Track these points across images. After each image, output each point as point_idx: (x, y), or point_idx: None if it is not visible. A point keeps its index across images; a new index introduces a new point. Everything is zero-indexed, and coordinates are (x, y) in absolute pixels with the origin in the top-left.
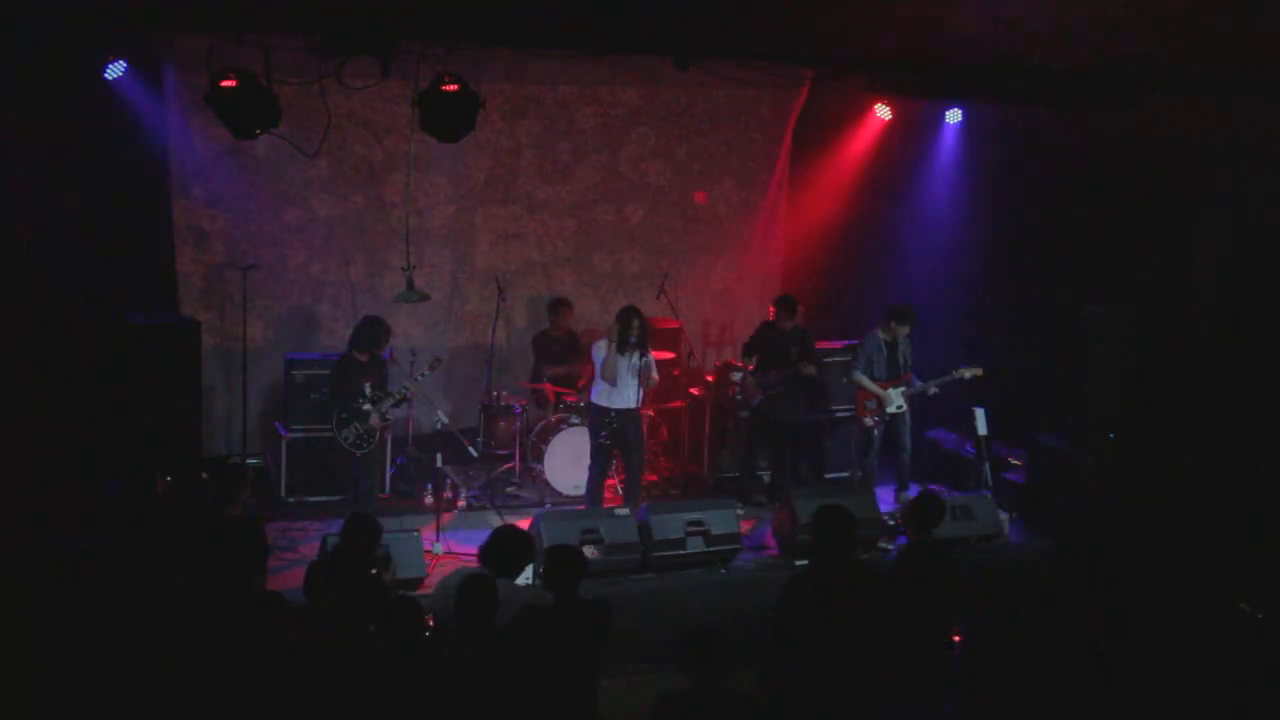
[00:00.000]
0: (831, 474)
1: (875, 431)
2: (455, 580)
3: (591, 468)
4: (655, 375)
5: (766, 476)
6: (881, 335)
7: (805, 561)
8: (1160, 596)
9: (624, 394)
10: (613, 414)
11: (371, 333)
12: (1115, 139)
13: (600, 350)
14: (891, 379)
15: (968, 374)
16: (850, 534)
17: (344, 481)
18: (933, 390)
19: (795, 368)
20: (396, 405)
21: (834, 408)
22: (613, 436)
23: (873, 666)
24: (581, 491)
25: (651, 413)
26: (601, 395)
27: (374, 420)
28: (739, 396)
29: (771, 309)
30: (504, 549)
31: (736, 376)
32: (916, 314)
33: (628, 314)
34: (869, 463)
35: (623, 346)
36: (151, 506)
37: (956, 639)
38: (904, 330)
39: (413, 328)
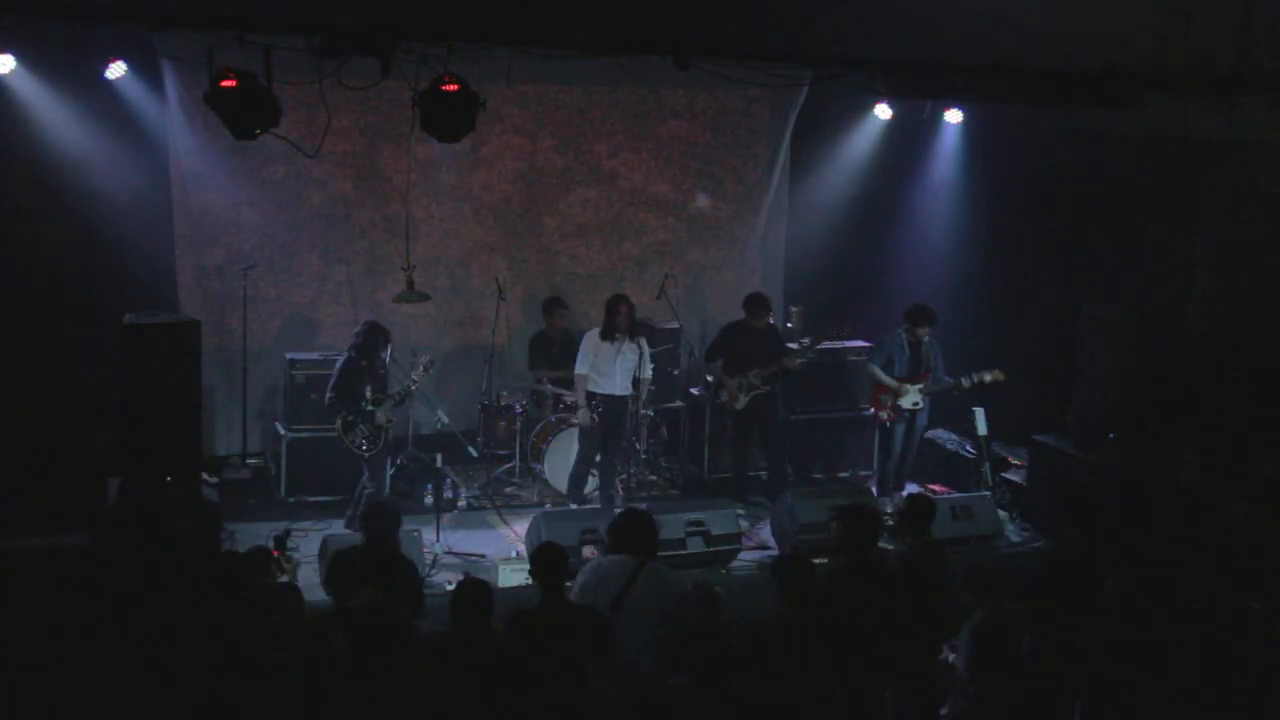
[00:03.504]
0: (844, 472)
1: (889, 426)
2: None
3: (578, 453)
4: (648, 372)
5: (764, 476)
6: (905, 335)
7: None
8: (1160, 596)
9: (612, 381)
10: (598, 400)
11: (372, 340)
12: (1115, 139)
13: (589, 340)
14: (912, 377)
15: (988, 377)
16: (877, 532)
17: (345, 482)
18: (950, 386)
19: (780, 364)
20: (397, 405)
21: (863, 406)
22: (599, 422)
23: (889, 667)
24: (585, 491)
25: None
26: (589, 381)
27: (380, 419)
28: (721, 400)
29: (747, 308)
30: (632, 530)
31: (710, 379)
32: (933, 313)
33: (614, 301)
34: (889, 463)
35: (608, 334)
36: (151, 507)
37: (956, 639)
38: (924, 330)
39: (413, 328)
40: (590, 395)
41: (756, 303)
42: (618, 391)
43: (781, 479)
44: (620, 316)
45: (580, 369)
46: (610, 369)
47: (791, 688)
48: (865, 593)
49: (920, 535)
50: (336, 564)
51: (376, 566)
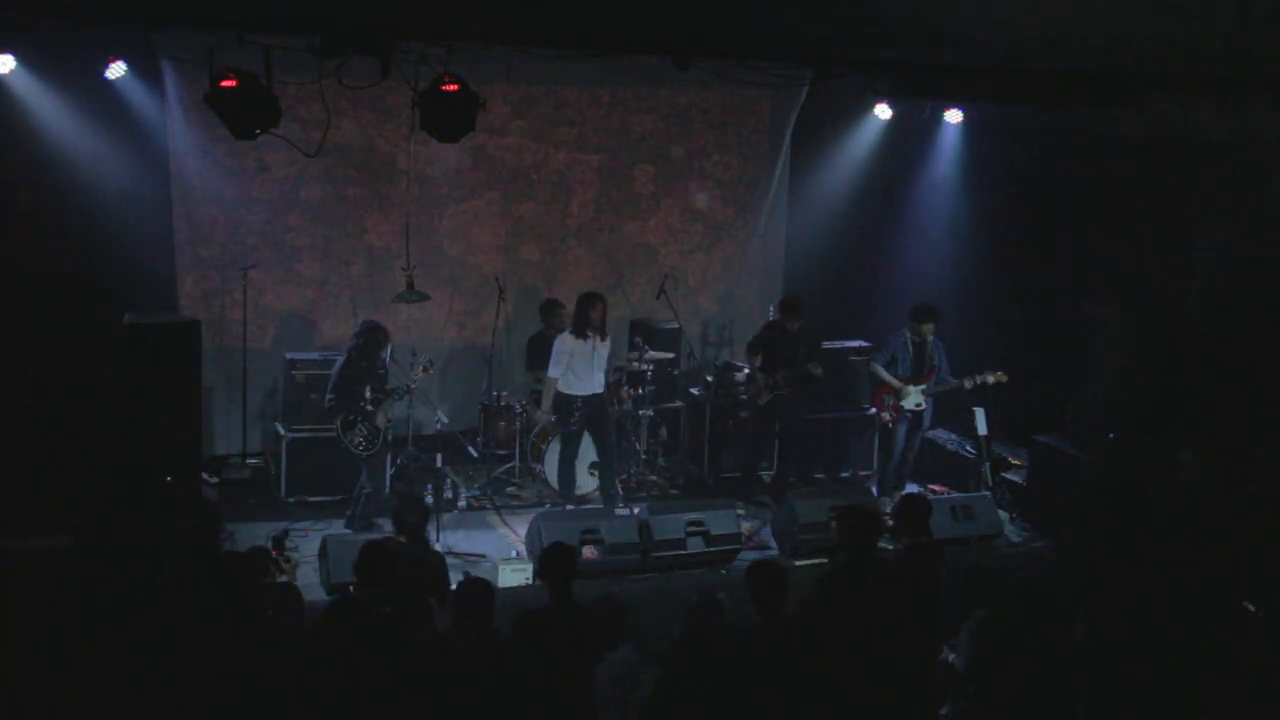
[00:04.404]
0: (845, 472)
1: (891, 426)
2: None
3: (561, 452)
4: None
5: (767, 476)
6: (909, 335)
7: (813, 560)
8: (1160, 596)
9: (590, 380)
10: (579, 401)
11: (371, 340)
12: (1115, 139)
13: (562, 342)
14: (915, 378)
15: (991, 379)
16: (875, 532)
17: (345, 482)
18: (953, 386)
19: (805, 368)
20: (397, 404)
21: (864, 406)
22: (581, 422)
23: (889, 667)
24: (584, 492)
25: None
26: (565, 384)
27: (380, 420)
28: (743, 396)
29: (780, 310)
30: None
31: (741, 375)
32: (937, 312)
33: (588, 299)
34: (890, 464)
35: (580, 331)
36: (151, 508)
37: (956, 639)
38: (928, 330)
39: (413, 328)
40: (571, 398)
41: (787, 306)
42: (597, 390)
43: (795, 478)
44: (595, 313)
45: (553, 373)
46: (587, 368)
47: (773, 692)
48: (865, 593)
49: (917, 535)
50: (372, 556)
51: (384, 565)
